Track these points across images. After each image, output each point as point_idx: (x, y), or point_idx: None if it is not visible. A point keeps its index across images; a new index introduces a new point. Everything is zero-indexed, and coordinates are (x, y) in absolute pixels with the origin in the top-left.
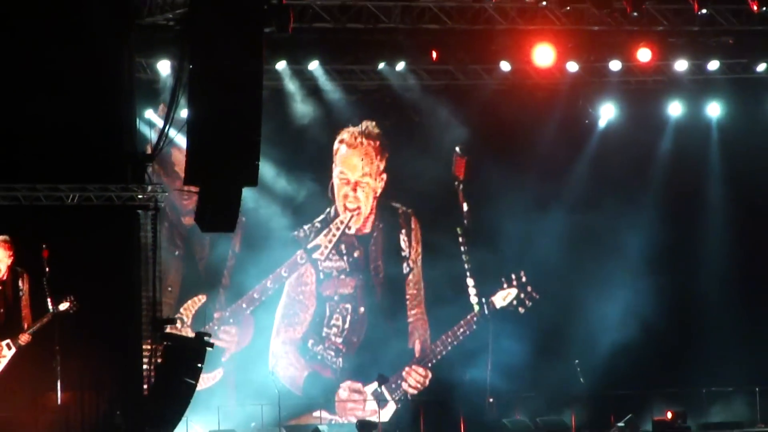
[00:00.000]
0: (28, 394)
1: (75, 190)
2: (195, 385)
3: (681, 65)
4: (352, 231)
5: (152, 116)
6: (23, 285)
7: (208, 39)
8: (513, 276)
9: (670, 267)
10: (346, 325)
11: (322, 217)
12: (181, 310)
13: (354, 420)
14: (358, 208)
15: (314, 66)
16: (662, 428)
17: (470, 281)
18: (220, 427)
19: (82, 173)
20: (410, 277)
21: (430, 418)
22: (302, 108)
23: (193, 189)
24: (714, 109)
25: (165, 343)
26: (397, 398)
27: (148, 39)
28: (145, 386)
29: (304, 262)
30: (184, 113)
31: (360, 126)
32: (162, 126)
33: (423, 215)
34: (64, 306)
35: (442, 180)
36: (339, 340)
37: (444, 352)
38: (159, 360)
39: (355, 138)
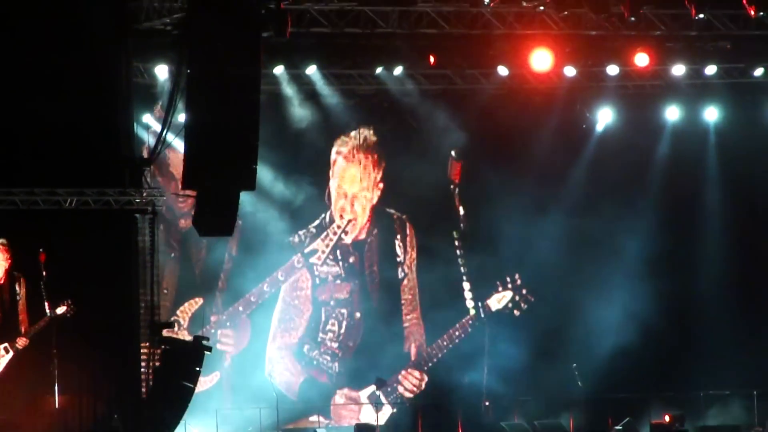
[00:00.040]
0: (26, 398)
1: (73, 194)
2: (193, 389)
3: (678, 70)
4: (348, 240)
5: (150, 120)
6: (20, 289)
7: (206, 43)
8: (508, 279)
9: (667, 270)
10: (342, 330)
11: (317, 222)
12: (178, 312)
13: (349, 424)
14: (355, 219)
15: (312, 70)
16: (660, 431)
17: (466, 285)
18: (218, 430)
19: (80, 177)
20: (405, 282)
21: (427, 421)
22: (300, 112)
23: (191, 193)
24: (711, 114)
25: (163, 346)
26: (393, 402)
27: (146, 44)
28: (144, 390)
29: (301, 267)
30: (181, 117)
31: (357, 136)
32: (160, 130)
33: (419, 220)
34: (61, 310)
35: (438, 184)
36: (335, 344)
37: (440, 356)
38: (157, 363)
39: (353, 154)
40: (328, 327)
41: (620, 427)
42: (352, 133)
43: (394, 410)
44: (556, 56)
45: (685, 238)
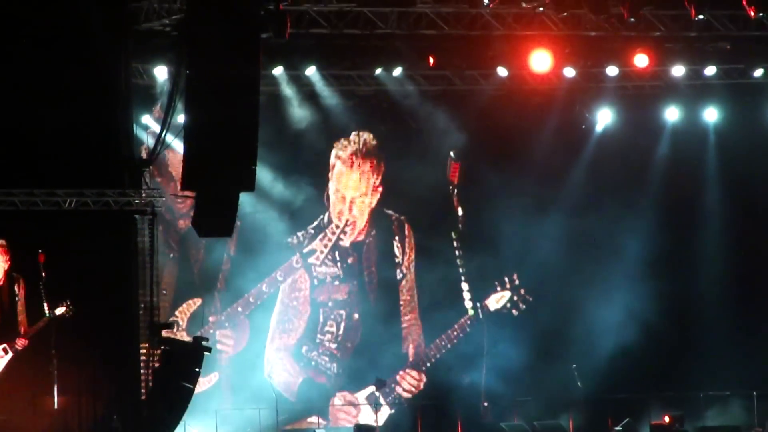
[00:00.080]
0: (25, 398)
1: (72, 195)
2: (193, 390)
3: (678, 70)
4: (347, 243)
5: (149, 121)
6: (19, 290)
7: (205, 44)
8: (506, 279)
9: (667, 271)
10: (340, 332)
11: (315, 223)
12: (176, 313)
13: (348, 425)
14: (354, 223)
15: (311, 71)
16: None
17: (465, 285)
18: (217, 430)
19: (80, 178)
20: (404, 283)
21: (427, 422)
22: (299, 113)
23: (190, 194)
24: (711, 114)
25: (163, 347)
26: (391, 402)
27: (145, 44)
28: (143, 390)
29: (299, 267)
30: (181, 118)
31: (356, 140)
32: (159, 131)
33: (418, 221)
34: (60, 310)
35: (437, 185)
36: (333, 345)
37: (438, 356)
38: (157, 364)
39: (352, 160)
40: (327, 328)
41: (620, 428)
42: (351, 137)
43: (392, 410)
44: (556, 57)
45: (684, 239)
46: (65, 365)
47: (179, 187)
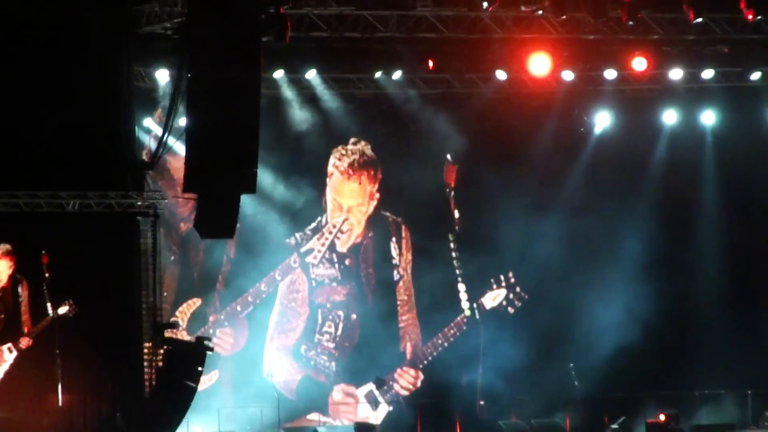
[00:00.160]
0: (30, 396)
1: (75, 197)
2: (195, 388)
3: (676, 74)
4: (344, 249)
5: (151, 124)
6: (22, 291)
7: (207, 48)
8: (502, 277)
9: (664, 272)
10: (339, 332)
11: (313, 225)
12: (177, 313)
13: (348, 422)
14: (350, 230)
15: (311, 75)
16: (655, 430)
17: (461, 287)
18: (220, 428)
19: (83, 181)
20: (401, 283)
21: (426, 420)
22: (299, 116)
23: (192, 196)
24: (708, 117)
25: (166, 347)
26: (389, 400)
27: (147, 48)
28: (147, 389)
29: (297, 266)
30: (182, 121)
31: (355, 151)
32: (161, 134)
33: (415, 223)
34: (63, 310)
35: (434, 188)
36: (331, 345)
37: (435, 354)
38: (160, 363)
39: (349, 173)
40: (325, 328)
41: (616, 426)
42: (349, 146)
43: (391, 408)
44: (555, 60)
45: (681, 240)
46: (69, 364)
47: (181, 190)
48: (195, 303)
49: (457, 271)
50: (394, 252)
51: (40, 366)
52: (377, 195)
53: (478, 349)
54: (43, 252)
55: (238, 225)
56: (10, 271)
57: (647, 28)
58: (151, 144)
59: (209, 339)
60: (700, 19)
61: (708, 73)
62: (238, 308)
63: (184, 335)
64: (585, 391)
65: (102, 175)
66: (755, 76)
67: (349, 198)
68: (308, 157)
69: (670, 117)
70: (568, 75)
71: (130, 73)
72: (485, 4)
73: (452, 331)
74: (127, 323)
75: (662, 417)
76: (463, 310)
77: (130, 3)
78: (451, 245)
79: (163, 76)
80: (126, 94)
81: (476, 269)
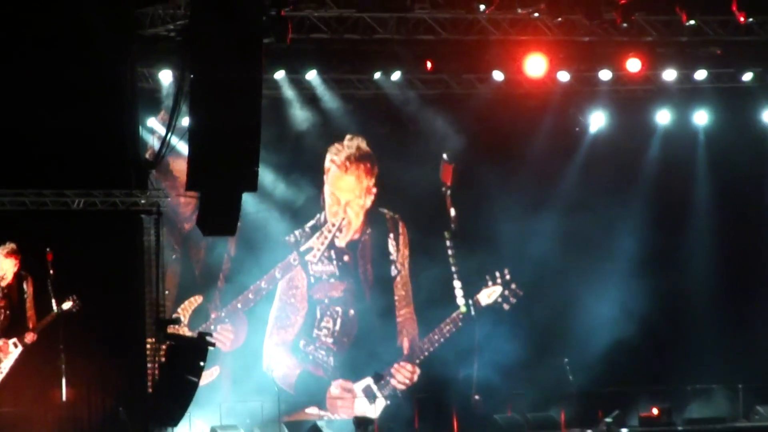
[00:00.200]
0: (34, 391)
1: (80, 196)
2: (197, 383)
3: (669, 75)
4: (342, 244)
5: (154, 124)
6: (28, 288)
7: (209, 49)
8: (497, 274)
9: (657, 269)
10: (337, 327)
11: (312, 222)
12: (179, 310)
13: (346, 417)
14: (348, 224)
15: (312, 75)
16: (648, 424)
17: (457, 284)
18: (221, 422)
19: (88, 179)
20: (398, 279)
21: (423, 414)
22: (300, 115)
23: (194, 195)
24: (701, 118)
25: (168, 342)
26: (386, 394)
27: (150, 49)
28: (150, 384)
29: (297, 264)
30: (185, 121)
31: (350, 146)
32: (164, 133)
33: (412, 220)
34: (67, 305)
35: (432, 186)
36: (330, 340)
37: (431, 349)
38: (162, 358)
39: (346, 166)
40: (323, 324)
41: (610, 420)
42: (345, 142)
43: (388, 402)
44: (550, 61)
45: (674, 238)
46: (73, 359)
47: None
48: (196, 300)
49: (453, 268)
50: (392, 248)
51: (45, 361)
52: (374, 189)
53: (474, 345)
54: (48, 249)
55: (239, 223)
56: (15, 269)
57: (641, 30)
58: (155, 144)
59: (211, 335)
60: (692, 22)
61: (701, 74)
62: (239, 305)
63: (185, 331)
64: (579, 386)
65: (106, 174)
66: (747, 77)
67: (347, 192)
68: (308, 156)
69: (663, 117)
70: (563, 76)
71: (134, 74)
72: (482, 7)
73: (448, 327)
74: (130, 319)
75: (655, 411)
76: (458, 307)
77: (134, 6)
78: (447, 243)
79: (166, 77)
80: (130, 95)
81: (472, 266)
